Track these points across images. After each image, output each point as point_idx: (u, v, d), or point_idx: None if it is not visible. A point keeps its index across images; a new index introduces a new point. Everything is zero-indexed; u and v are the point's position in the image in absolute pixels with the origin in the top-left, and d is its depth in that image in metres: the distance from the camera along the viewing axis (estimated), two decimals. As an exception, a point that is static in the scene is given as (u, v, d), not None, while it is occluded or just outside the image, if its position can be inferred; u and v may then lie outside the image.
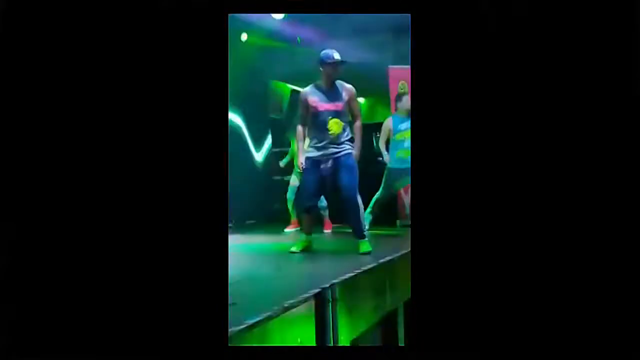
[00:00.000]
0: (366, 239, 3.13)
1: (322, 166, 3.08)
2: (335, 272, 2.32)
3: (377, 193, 4.44)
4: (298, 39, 5.40)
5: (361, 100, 9.18)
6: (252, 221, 5.36)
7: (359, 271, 2.35)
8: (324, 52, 3.12)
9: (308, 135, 3.21)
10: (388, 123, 4.50)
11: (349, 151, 3.11)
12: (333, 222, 4.60)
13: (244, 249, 3.49)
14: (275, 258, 3.25)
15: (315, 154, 3.11)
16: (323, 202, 4.44)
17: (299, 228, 4.39)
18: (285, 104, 7.05)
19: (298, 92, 7.23)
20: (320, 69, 3.08)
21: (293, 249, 3.24)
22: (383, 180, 4.45)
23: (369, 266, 2.44)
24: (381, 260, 2.59)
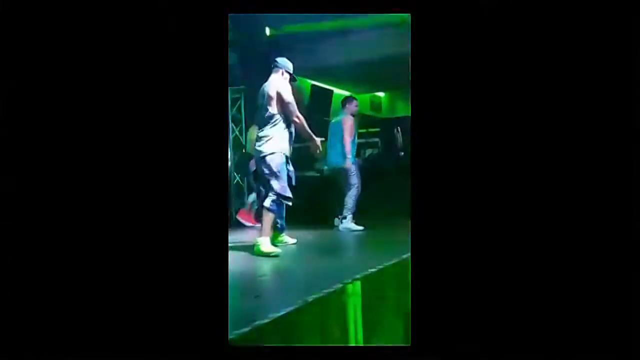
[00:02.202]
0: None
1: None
2: (358, 267, 2.32)
3: (356, 190, 4.37)
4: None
5: (381, 94, 9.16)
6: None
7: (382, 266, 2.36)
8: (281, 59, 3.32)
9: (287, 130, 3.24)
10: (353, 123, 4.50)
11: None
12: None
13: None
14: (302, 253, 3.27)
15: (286, 153, 3.20)
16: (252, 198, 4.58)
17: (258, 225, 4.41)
18: (306, 99, 7.06)
19: (318, 86, 7.28)
20: (287, 72, 3.30)
21: (276, 250, 3.09)
22: (358, 175, 4.41)
23: (393, 261, 2.44)
24: (404, 256, 2.59)
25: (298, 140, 3.41)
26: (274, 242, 3.32)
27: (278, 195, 3.06)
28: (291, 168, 3.23)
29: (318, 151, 3.38)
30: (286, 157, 3.16)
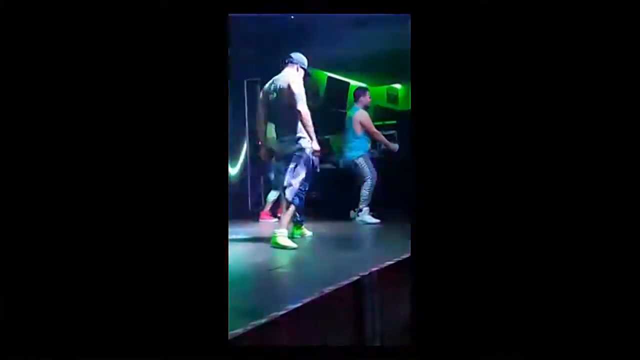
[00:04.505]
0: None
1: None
2: (374, 259, 2.31)
3: (370, 182, 4.36)
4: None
5: (398, 86, 9.09)
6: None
7: (399, 259, 2.34)
8: (296, 54, 3.31)
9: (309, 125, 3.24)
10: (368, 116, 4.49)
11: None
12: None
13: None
14: (318, 245, 3.28)
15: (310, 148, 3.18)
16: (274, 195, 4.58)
17: (274, 220, 4.47)
18: (322, 91, 7.04)
19: (335, 79, 7.25)
20: (302, 68, 3.29)
21: (293, 245, 3.07)
22: (369, 167, 4.40)
23: (409, 254, 2.43)
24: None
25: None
26: (294, 235, 3.35)
27: (299, 190, 3.09)
28: (316, 160, 3.24)
29: (317, 155, 3.26)
30: (310, 156, 3.16)
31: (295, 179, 3.10)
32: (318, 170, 3.30)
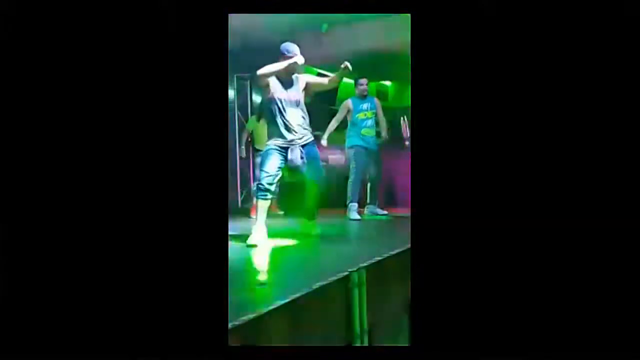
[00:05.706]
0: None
1: (290, 156, 3.19)
2: (363, 256, 2.33)
3: (354, 177, 4.33)
4: (324, 26, 5.34)
5: (388, 83, 9.10)
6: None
7: (387, 255, 2.36)
8: (285, 44, 3.27)
9: (268, 122, 3.30)
10: (348, 104, 4.48)
11: (312, 139, 3.29)
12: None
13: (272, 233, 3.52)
14: (303, 241, 3.28)
15: (279, 141, 3.19)
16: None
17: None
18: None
19: (324, 75, 7.22)
20: (286, 57, 3.23)
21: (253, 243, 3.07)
22: (356, 161, 4.35)
23: (397, 250, 2.44)
24: (408, 246, 2.58)
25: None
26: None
27: (259, 182, 3.16)
28: (292, 158, 3.19)
29: (347, 70, 3.21)
30: (273, 149, 3.16)
31: (260, 173, 3.21)
32: (292, 163, 3.25)
